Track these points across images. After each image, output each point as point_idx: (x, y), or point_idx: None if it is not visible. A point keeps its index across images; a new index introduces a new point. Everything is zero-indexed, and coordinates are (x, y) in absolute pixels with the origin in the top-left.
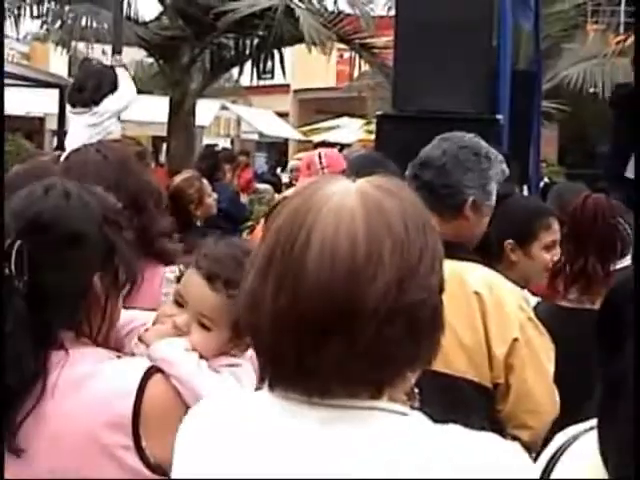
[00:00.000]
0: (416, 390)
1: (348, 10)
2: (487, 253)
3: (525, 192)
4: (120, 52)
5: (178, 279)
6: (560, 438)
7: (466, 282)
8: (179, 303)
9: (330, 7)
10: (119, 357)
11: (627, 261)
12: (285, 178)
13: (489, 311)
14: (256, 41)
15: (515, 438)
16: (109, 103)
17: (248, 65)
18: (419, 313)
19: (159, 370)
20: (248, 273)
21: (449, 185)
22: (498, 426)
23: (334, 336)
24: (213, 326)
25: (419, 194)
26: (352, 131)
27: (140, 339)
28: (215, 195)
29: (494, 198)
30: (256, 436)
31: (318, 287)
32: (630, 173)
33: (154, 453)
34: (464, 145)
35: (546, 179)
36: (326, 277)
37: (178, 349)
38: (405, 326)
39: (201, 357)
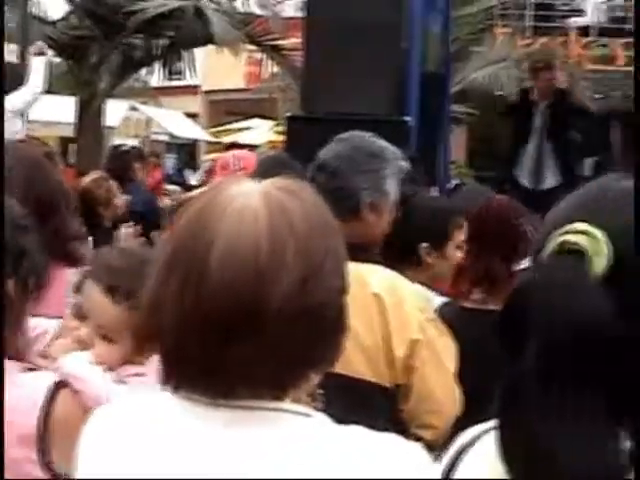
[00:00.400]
0: (319, 391)
1: (258, 11)
2: (400, 254)
3: (434, 193)
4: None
5: (77, 288)
6: (462, 438)
7: (366, 284)
8: (81, 316)
9: (240, 8)
10: (30, 369)
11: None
12: (194, 180)
13: (389, 313)
14: (166, 42)
15: (418, 438)
16: (14, 99)
17: (158, 66)
18: (323, 314)
19: (66, 385)
20: (152, 273)
21: (343, 188)
22: (401, 426)
23: (238, 337)
24: (116, 338)
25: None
26: (262, 132)
27: (45, 354)
28: (126, 197)
29: (393, 197)
30: (159, 438)
31: (222, 288)
32: (526, 180)
33: (62, 467)
34: (357, 146)
35: (456, 181)
36: (230, 278)
37: (84, 363)
38: (309, 327)
39: (107, 369)
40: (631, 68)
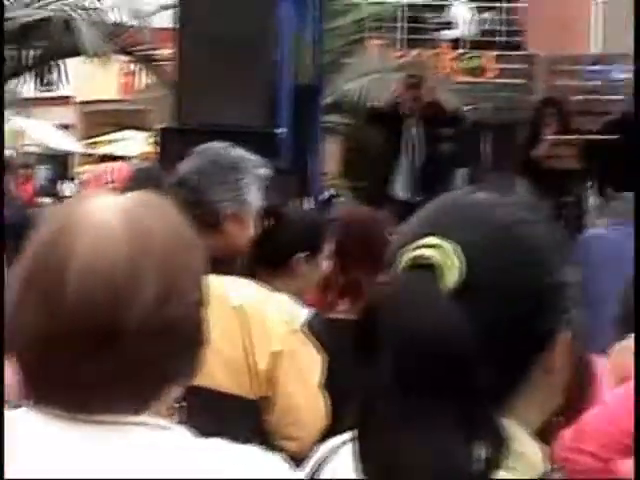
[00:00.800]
0: (180, 405)
1: (130, 22)
2: (271, 265)
3: (308, 204)
4: None
5: None
6: (321, 450)
7: (228, 297)
8: None
9: (111, 19)
10: None
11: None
12: (68, 191)
13: (251, 325)
14: (37, 52)
15: (282, 449)
16: None
17: (30, 76)
18: (181, 329)
19: None
20: (11, 288)
21: (204, 201)
22: (267, 438)
23: (96, 354)
24: None
25: (180, 211)
26: (137, 144)
27: None
28: None
29: (255, 207)
30: (16, 452)
31: (79, 307)
32: (399, 192)
33: None
34: (215, 158)
35: (329, 192)
36: (87, 297)
37: None
38: (167, 342)
39: None
40: (501, 80)
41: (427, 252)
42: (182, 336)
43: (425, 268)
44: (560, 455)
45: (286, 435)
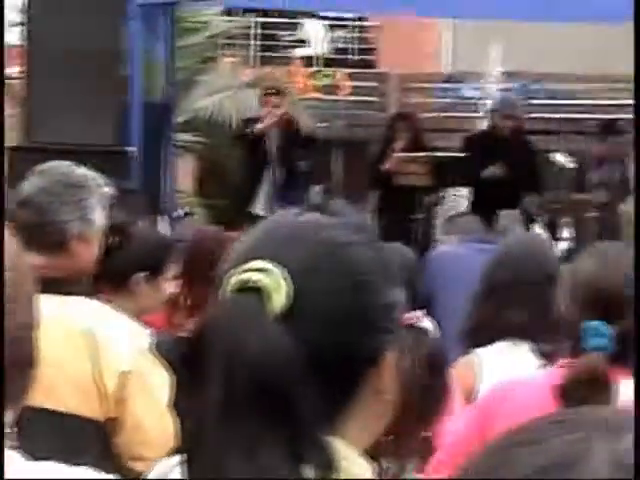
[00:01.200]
0: (16, 428)
1: None
2: (114, 284)
3: (160, 223)
4: None
5: None
6: (153, 473)
7: (75, 319)
8: None
9: None
10: None
11: None
12: None
13: (99, 347)
14: None
15: (131, 470)
16: None
17: None
18: (12, 352)
19: None
20: None
21: (48, 222)
22: (116, 459)
23: None
24: None
25: (20, 233)
26: None
27: None
28: None
29: (99, 225)
30: None
31: None
32: (260, 209)
33: None
34: (58, 178)
35: (183, 210)
36: None
37: None
38: None
39: None
40: (354, 97)
41: (254, 276)
42: (13, 359)
43: (253, 291)
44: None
45: (135, 455)
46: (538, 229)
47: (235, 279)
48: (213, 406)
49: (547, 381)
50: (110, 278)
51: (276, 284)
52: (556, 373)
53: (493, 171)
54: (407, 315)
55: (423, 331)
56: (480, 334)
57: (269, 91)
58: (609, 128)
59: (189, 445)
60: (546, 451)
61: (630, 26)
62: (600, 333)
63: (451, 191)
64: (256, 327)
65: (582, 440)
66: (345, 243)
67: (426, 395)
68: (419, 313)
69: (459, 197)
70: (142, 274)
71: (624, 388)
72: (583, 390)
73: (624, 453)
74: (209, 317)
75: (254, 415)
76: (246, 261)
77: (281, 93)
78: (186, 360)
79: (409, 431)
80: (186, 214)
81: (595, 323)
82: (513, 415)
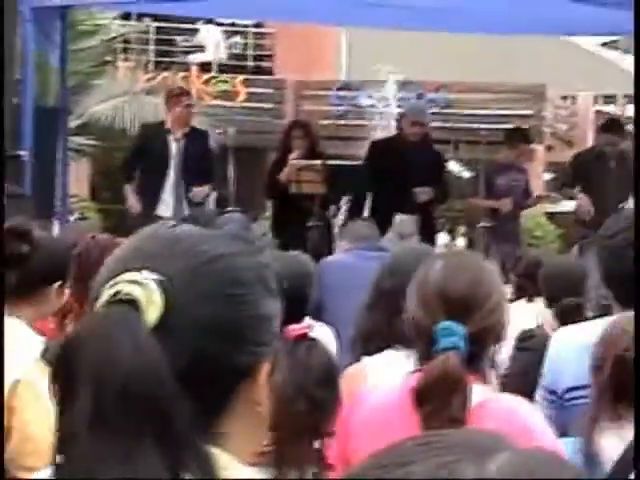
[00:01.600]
0: None
1: None
2: (20, 292)
3: (55, 227)
4: None
5: None
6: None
7: None
8: None
9: None
10: None
11: None
12: None
13: None
14: None
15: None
16: None
17: None
18: None
19: None
20: None
21: None
22: (5, 468)
23: None
24: None
25: None
26: None
27: None
28: None
29: None
30: None
31: None
32: (165, 212)
33: None
34: None
35: (78, 214)
36: None
37: None
38: None
39: None
40: (250, 104)
41: (127, 287)
42: None
43: (126, 303)
44: None
45: (22, 465)
46: (443, 237)
47: (108, 291)
48: (82, 417)
49: (406, 386)
50: (19, 287)
51: (149, 296)
52: (413, 377)
53: (422, 192)
54: (296, 326)
55: (313, 342)
56: (370, 342)
57: (176, 92)
58: (511, 137)
59: (60, 456)
60: (414, 474)
61: (525, 39)
62: (451, 333)
63: (348, 198)
64: (128, 339)
65: (451, 462)
66: (219, 255)
67: (315, 406)
68: (309, 323)
69: (356, 204)
70: (56, 285)
71: (477, 394)
72: (437, 391)
73: (495, 473)
74: (80, 328)
75: (127, 426)
76: (121, 272)
77: (189, 94)
78: (55, 371)
79: (296, 442)
80: (79, 219)
81: (446, 323)
82: (368, 421)
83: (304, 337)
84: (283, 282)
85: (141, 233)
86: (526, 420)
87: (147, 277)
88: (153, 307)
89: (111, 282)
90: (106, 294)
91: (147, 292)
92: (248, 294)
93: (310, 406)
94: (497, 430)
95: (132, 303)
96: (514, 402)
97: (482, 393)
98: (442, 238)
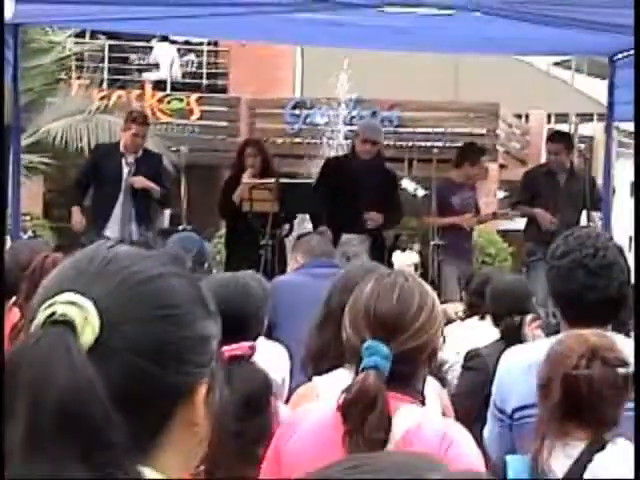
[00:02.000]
0: None
1: None
2: None
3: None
4: None
5: None
6: None
7: None
8: None
9: None
10: None
11: None
12: None
13: None
14: None
15: None
16: None
17: None
18: None
19: None
20: None
21: None
22: None
23: None
24: None
25: None
26: None
27: None
28: None
29: None
30: None
31: None
32: (115, 232)
33: None
34: None
35: (30, 232)
36: None
37: None
38: None
39: None
40: (204, 122)
41: (62, 308)
42: None
43: (61, 324)
44: None
45: None
46: (397, 255)
47: (44, 311)
48: (17, 436)
49: (334, 404)
50: None
51: (84, 317)
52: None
53: (371, 219)
54: (232, 347)
55: (250, 364)
56: (321, 361)
57: (130, 117)
58: (463, 155)
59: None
60: None
61: (478, 58)
62: (373, 352)
63: (301, 216)
64: (63, 360)
65: None
66: (155, 275)
67: (245, 429)
68: (251, 344)
69: (308, 222)
70: (11, 301)
71: (405, 413)
72: (354, 410)
73: None
74: (17, 349)
75: (59, 446)
76: (57, 293)
77: (145, 122)
78: None
79: (226, 464)
80: (32, 237)
81: (370, 342)
82: (304, 441)
83: (239, 358)
84: (232, 303)
85: (79, 253)
86: (456, 443)
87: (82, 298)
88: (89, 328)
89: (47, 302)
90: (42, 315)
91: (83, 313)
92: (183, 315)
93: (237, 427)
94: (427, 453)
95: (68, 324)
96: (444, 425)
97: (414, 414)
98: (396, 256)
